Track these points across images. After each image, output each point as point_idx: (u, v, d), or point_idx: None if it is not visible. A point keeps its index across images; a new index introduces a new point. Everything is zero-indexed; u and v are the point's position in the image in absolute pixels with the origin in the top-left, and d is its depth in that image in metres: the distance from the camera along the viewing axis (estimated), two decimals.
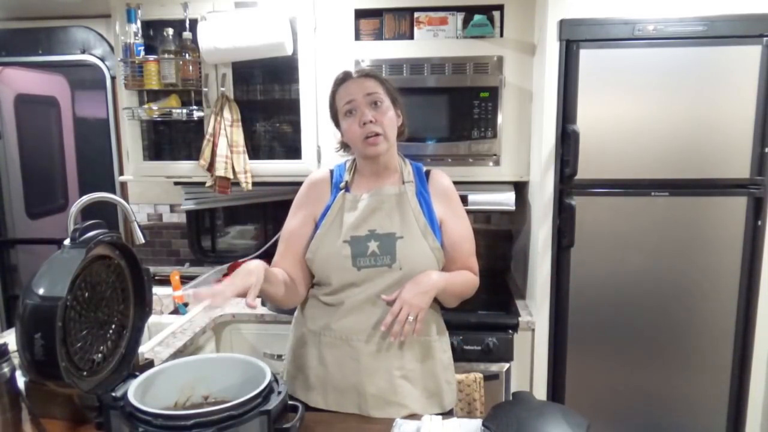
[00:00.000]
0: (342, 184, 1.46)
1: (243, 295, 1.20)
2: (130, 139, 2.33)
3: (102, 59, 2.71)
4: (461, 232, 1.47)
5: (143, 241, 2.06)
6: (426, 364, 1.43)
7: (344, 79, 1.42)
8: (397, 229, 1.39)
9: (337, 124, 1.47)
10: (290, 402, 1.10)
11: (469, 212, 1.57)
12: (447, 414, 1.46)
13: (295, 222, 1.47)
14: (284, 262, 1.44)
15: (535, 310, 2.04)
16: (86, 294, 1.13)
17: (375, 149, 1.39)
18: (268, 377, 1.07)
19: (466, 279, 1.46)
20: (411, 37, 2.18)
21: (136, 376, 1.10)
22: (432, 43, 2.16)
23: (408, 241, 1.38)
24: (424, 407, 1.41)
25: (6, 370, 1.14)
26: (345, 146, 1.52)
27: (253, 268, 1.25)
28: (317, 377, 1.43)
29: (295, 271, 1.44)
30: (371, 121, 1.36)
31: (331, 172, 1.51)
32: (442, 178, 1.50)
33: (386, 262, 1.37)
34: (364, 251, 1.37)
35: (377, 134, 1.37)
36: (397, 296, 1.31)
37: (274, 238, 2.67)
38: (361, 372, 1.38)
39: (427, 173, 1.50)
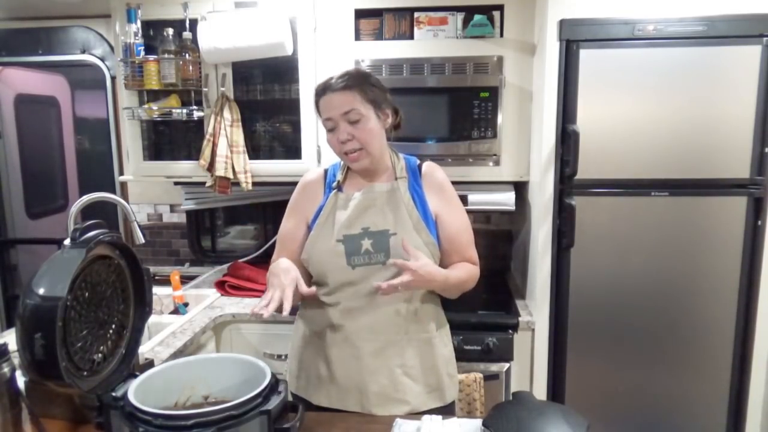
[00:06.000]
0: (334, 184, 1.46)
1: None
2: (130, 139, 2.33)
3: (102, 59, 2.71)
4: (458, 224, 1.46)
5: (143, 241, 2.06)
6: (427, 360, 1.43)
7: (323, 92, 1.39)
8: (391, 225, 1.39)
9: None
10: (291, 402, 1.10)
11: (469, 212, 1.57)
12: (448, 407, 1.47)
13: (289, 224, 1.49)
14: None
15: (535, 310, 2.04)
16: (86, 294, 1.13)
17: (357, 164, 1.40)
18: (268, 377, 1.07)
19: (467, 272, 1.44)
20: (411, 37, 2.18)
21: (136, 376, 1.10)
22: (432, 43, 2.16)
23: (401, 237, 1.38)
24: (425, 402, 1.42)
25: (6, 370, 1.13)
26: None
27: (287, 265, 1.33)
28: (320, 376, 1.43)
29: None
30: (349, 140, 1.36)
31: (326, 171, 1.52)
32: (434, 170, 1.48)
33: (380, 260, 1.37)
34: (357, 249, 1.37)
35: (357, 150, 1.37)
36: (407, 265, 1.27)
37: (274, 238, 2.67)
38: (363, 370, 1.39)
39: (420, 167, 1.49)
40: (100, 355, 1.18)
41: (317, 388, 1.44)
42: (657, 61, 1.83)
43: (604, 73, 1.85)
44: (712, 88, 1.83)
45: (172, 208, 2.81)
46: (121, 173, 2.70)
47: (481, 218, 2.68)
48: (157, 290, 2.09)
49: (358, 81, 1.37)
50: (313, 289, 1.30)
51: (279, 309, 1.21)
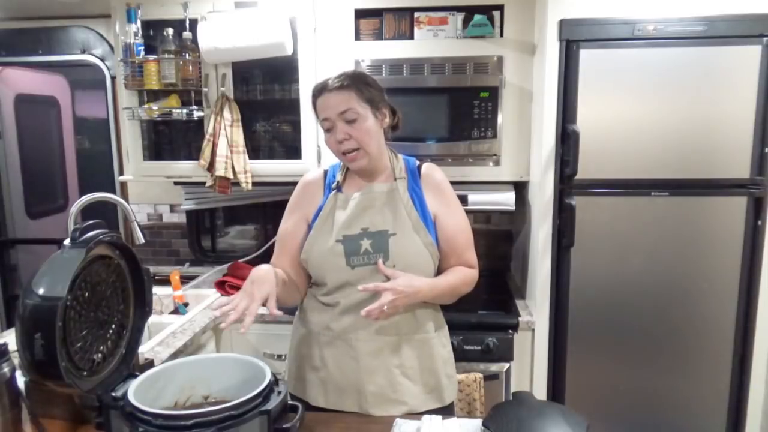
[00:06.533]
0: (334, 184, 1.46)
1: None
2: (130, 139, 2.33)
3: (102, 59, 2.71)
4: (456, 226, 1.45)
5: (143, 241, 2.06)
6: (425, 361, 1.43)
7: (320, 92, 1.39)
8: (390, 226, 1.39)
9: None
10: (290, 402, 1.10)
11: (469, 212, 1.57)
12: (448, 408, 1.46)
13: (288, 224, 1.49)
14: (281, 264, 1.45)
15: (535, 310, 2.04)
16: (86, 294, 1.13)
17: (354, 164, 1.40)
18: (268, 377, 1.07)
19: (460, 277, 1.44)
20: (411, 37, 2.18)
21: (136, 376, 1.10)
22: (432, 43, 2.16)
23: (400, 237, 1.38)
24: (423, 403, 1.42)
25: (6, 370, 1.13)
26: None
27: (264, 275, 1.27)
28: (318, 376, 1.43)
29: (292, 272, 1.45)
30: (346, 139, 1.36)
31: (326, 172, 1.52)
32: (433, 171, 1.48)
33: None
34: (357, 250, 1.38)
35: (354, 149, 1.37)
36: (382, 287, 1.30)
37: (274, 238, 2.67)
38: (361, 371, 1.39)
39: (419, 168, 1.49)
40: (100, 355, 1.18)
41: (315, 388, 1.44)
42: (657, 61, 1.83)
43: (604, 73, 1.85)
44: (712, 88, 1.83)
45: (172, 208, 2.81)
46: (121, 173, 2.70)
47: (481, 218, 2.68)
48: (157, 290, 2.09)
49: (354, 81, 1.37)
50: (278, 313, 1.24)
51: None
